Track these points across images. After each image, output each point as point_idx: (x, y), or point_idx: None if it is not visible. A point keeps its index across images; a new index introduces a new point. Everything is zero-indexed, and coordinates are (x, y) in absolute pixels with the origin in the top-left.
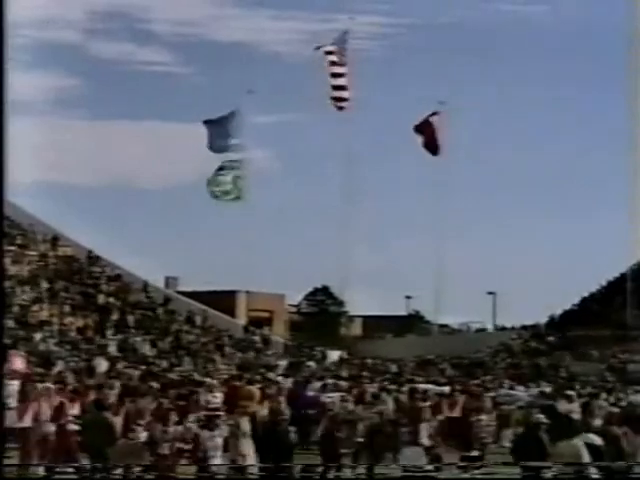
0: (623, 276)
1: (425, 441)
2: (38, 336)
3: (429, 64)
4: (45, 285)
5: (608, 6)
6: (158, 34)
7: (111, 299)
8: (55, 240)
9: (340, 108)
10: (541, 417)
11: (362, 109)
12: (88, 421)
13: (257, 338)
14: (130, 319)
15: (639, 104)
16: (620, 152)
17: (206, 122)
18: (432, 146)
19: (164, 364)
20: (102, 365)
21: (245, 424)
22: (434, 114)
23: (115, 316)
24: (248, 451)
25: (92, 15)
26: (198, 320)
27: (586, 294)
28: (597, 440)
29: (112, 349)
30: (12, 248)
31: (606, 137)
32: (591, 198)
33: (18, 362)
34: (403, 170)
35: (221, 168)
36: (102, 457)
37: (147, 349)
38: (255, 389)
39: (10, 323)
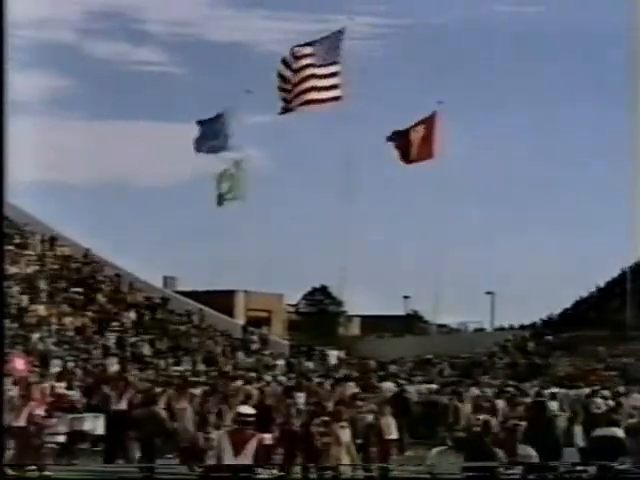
0: (621, 277)
1: (580, 442)
2: (36, 335)
3: (427, 64)
4: (43, 285)
5: (607, 7)
6: (153, 34)
7: (109, 299)
8: (53, 240)
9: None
10: (554, 411)
11: (360, 109)
12: (140, 415)
13: (255, 338)
14: (128, 319)
15: (638, 106)
16: (620, 156)
17: (198, 122)
18: (426, 151)
19: (162, 364)
20: (113, 365)
21: (345, 434)
22: (431, 116)
23: (113, 316)
24: (345, 459)
25: (87, 15)
26: (196, 320)
27: (584, 294)
28: (620, 433)
29: (111, 348)
30: (10, 248)
31: (606, 140)
32: (591, 199)
33: (20, 362)
34: (401, 170)
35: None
36: (153, 450)
37: (146, 349)
38: (253, 389)
39: (9, 323)
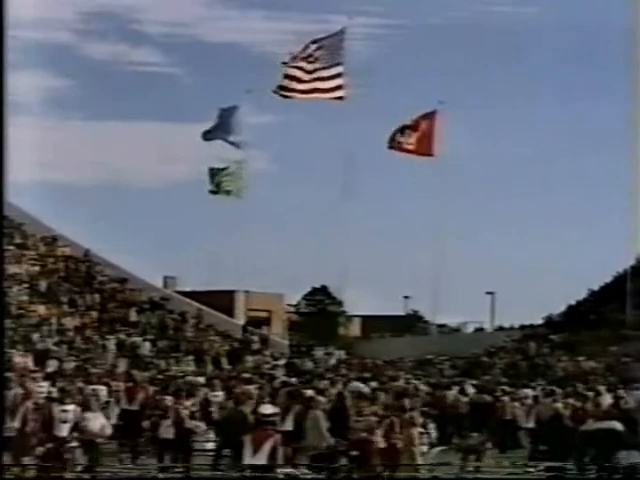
0: (621, 277)
1: None
2: (36, 335)
3: (426, 64)
4: (44, 285)
5: (607, 6)
6: (151, 35)
7: (109, 298)
8: (54, 240)
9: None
10: (560, 408)
11: (360, 109)
12: (227, 416)
13: (255, 338)
14: (128, 318)
15: (638, 105)
16: (620, 155)
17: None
18: (425, 147)
19: (162, 364)
20: (121, 365)
21: (415, 432)
22: (431, 113)
23: (113, 315)
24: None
25: (84, 16)
26: (195, 320)
27: (584, 294)
28: (619, 426)
29: (112, 348)
30: (10, 248)
31: (606, 139)
32: (591, 199)
33: (25, 361)
34: (402, 170)
35: (221, 167)
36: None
37: (146, 349)
38: (253, 389)
39: (9, 322)
